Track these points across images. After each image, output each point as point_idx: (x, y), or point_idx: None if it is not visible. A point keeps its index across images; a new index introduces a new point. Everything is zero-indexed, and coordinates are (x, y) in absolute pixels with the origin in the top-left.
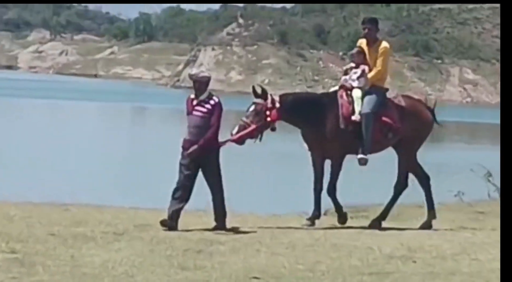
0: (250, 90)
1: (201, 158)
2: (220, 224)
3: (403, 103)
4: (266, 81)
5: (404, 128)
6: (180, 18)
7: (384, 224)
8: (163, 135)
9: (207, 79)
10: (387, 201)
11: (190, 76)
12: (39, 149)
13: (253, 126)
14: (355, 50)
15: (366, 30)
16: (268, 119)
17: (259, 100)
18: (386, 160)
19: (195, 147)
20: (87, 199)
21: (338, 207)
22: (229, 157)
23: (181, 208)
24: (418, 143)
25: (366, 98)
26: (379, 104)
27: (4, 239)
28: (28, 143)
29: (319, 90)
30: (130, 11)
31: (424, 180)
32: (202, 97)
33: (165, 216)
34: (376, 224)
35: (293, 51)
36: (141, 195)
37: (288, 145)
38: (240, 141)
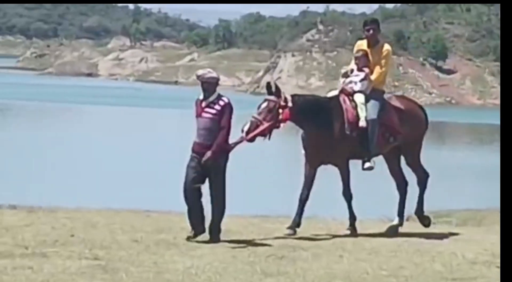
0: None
1: (210, 163)
2: (215, 238)
3: (401, 105)
4: None
5: (405, 131)
6: (260, 25)
7: (467, 229)
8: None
9: (216, 80)
10: (398, 204)
11: (197, 77)
12: (120, 155)
13: (266, 124)
14: (360, 53)
15: (371, 31)
16: (280, 117)
17: (272, 98)
18: (467, 167)
19: (208, 154)
20: (170, 205)
21: (351, 213)
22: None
23: (199, 215)
24: (419, 145)
25: (370, 103)
26: (381, 108)
27: (87, 245)
28: (109, 150)
29: None
30: (209, 18)
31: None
32: (211, 98)
33: (251, 221)
34: (395, 230)
35: None
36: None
37: None
38: (252, 140)
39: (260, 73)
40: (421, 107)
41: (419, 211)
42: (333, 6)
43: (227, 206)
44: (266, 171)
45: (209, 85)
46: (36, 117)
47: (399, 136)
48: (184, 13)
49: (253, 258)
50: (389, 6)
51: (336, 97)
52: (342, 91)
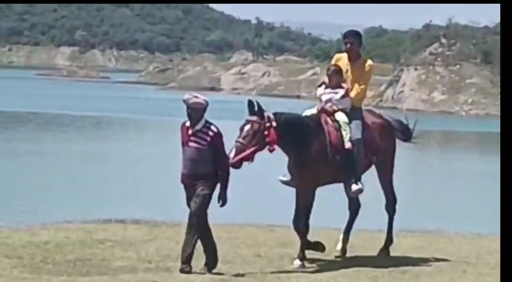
0: (451, 110)
1: (195, 186)
2: (211, 266)
3: (375, 120)
4: (470, 101)
5: (384, 148)
6: (382, 38)
7: None
8: None
9: (202, 106)
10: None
11: (183, 101)
12: (244, 170)
13: (251, 149)
14: (331, 70)
15: (348, 45)
16: (267, 139)
17: (255, 118)
18: None
19: (226, 198)
20: None
21: (303, 245)
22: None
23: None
24: (392, 162)
25: (353, 122)
26: (363, 127)
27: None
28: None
29: None
30: (332, 32)
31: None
32: (198, 126)
33: (374, 235)
34: (385, 252)
35: (497, 70)
36: (343, 216)
37: (481, 165)
38: (238, 164)
39: (383, 87)
40: (389, 122)
41: (389, 240)
42: (456, 19)
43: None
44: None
45: (194, 112)
46: (158, 131)
47: (380, 154)
48: (306, 27)
49: (376, 272)
50: None
51: (317, 117)
52: (322, 110)
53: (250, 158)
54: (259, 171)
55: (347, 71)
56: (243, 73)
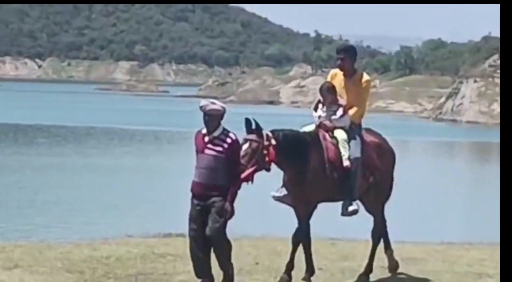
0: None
1: (211, 205)
2: None
3: (374, 139)
4: None
5: (382, 168)
6: (441, 51)
7: None
8: (425, 169)
9: (220, 113)
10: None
11: (200, 107)
12: None
13: (250, 169)
14: (324, 88)
15: (339, 61)
16: (266, 159)
17: (253, 137)
18: None
19: (228, 208)
20: (355, 233)
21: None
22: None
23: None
24: (389, 183)
25: (353, 140)
26: (362, 145)
27: (272, 274)
28: None
29: None
30: (391, 45)
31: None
32: (216, 133)
33: (436, 248)
34: (365, 279)
35: None
36: (407, 228)
37: None
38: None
39: (442, 99)
40: (387, 141)
41: (369, 268)
42: None
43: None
44: (448, 197)
45: (212, 118)
46: None
47: (378, 174)
48: (365, 39)
49: None
50: None
51: (316, 133)
52: (320, 126)
53: (249, 178)
54: None
55: (343, 87)
56: (302, 87)
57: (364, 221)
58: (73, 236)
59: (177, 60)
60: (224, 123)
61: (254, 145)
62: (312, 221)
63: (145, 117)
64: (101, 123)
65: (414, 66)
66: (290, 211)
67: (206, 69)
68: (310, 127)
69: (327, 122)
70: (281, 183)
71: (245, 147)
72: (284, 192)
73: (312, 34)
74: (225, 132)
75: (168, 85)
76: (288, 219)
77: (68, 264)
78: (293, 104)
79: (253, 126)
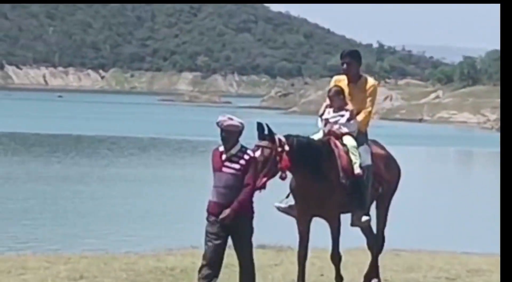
0: None
1: (233, 224)
2: None
3: (381, 150)
4: None
5: (389, 179)
6: None
7: None
8: (489, 180)
9: (238, 129)
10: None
11: (217, 123)
12: None
13: (263, 178)
14: (332, 91)
15: (345, 66)
16: (279, 166)
17: (265, 143)
18: None
19: (227, 211)
20: (420, 244)
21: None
22: None
23: None
24: (392, 197)
25: (361, 147)
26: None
27: None
28: None
29: None
30: (454, 55)
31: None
32: (234, 150)
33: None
34: None
35: None
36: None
37: None
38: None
39: None
40: (392, 155)
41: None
42: None
43: None
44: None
45: (229, 135)
46: None
47: (386, 185)
48: (428, 50)
49: None
50: None
51: (327, 140)
52: (330, 133)
53: (263, 187)
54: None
55: (349, 93)
56: None
57: (429, 231)
58: (138, 247)
59: (240, 71)
60: (285, 133)
61: (267, 151)
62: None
63: (207, 128)
64: (164, 134)
65: (477, 76)
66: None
67: (269, 80)
68: (319, 135)
69: (335, 128)
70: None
71: (257, 154)
72: (290, 202)
73: (375, 45)
74: (243, 150)
75: (230, 96)
76: (353, 231)
77: (133, 275)
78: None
79: (266, 131)
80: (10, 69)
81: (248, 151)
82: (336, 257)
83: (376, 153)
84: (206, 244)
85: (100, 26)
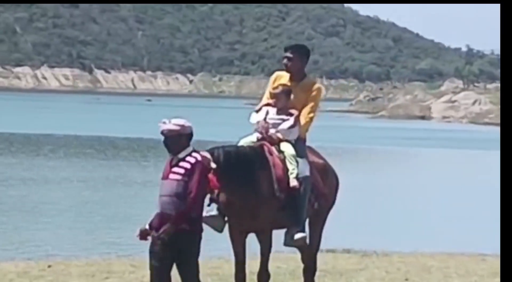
0: None
1: (176, 241)
2: None
3: (318, 160)
4: None
5: (326, 194)
6: None
7: None
8: None
9: (175, 132)
10: None
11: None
12: (453, 198)
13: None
14: (279, 89)
15: (285, 60)
16: (207, 188)
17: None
18: None
19: (165, 226)
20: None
21: None
22: None
23: None
24: (328, 213)
25: (300, 157)
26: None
27: None
28: (440, 193)
29: None
30: None
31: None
32: (181, 154)
33: None
34: None
35: None
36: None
37: None
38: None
39: None
40: (328, 164)
41: None
42: None
43: None
44: None
45: (169, 140)
46: (366, 161)
47: (323, 199)
48: None
49: None
50: None
51: (260, 146)
52: (265, 138)
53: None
54: (460, 199)
55: None
56: (454, 101)
57: None
58: (223, 251)
59: (328, 75)
60: (375, 138)
61: None
62: (461, 237)
63: None
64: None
65: None
66: (439, 226)
67: (357, 84)
68: (251, 138)
69: (272, 132)
70: None
71: (205, 153)
72: (212, 212)
73: (464, 49)
74: (190, 152)
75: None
76: (439, 235)
77: (216, 279)
78: (444, 119)
79: None
80: (98, 73)
81: (195, 154)
82: (263, 276)
83: (313, 162)
84: (149, 263)
85: (188, 30)
